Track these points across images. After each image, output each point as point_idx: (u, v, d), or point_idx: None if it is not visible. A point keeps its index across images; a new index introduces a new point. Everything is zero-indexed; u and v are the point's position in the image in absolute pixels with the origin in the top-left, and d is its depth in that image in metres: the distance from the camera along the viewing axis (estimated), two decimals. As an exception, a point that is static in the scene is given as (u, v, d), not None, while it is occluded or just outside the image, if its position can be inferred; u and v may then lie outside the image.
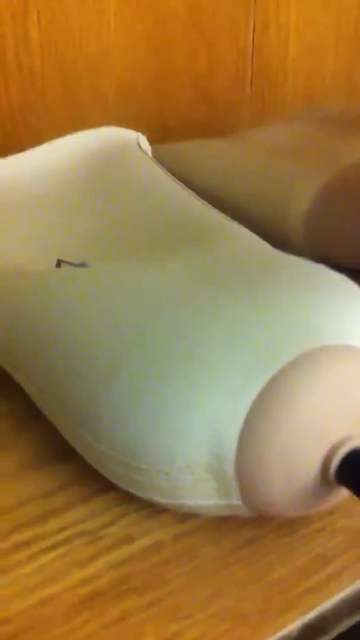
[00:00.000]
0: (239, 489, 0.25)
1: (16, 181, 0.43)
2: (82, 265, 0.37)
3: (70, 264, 0.37)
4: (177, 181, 0.41)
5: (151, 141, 0.46)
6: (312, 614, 0.24)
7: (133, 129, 0.45)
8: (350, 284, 0.28)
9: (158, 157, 0.46)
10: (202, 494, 0.25)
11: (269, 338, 0.25)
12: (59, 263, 0.38)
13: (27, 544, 0.27)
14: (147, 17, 0.51)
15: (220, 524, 0.27)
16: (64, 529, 0.27)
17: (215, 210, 0.38)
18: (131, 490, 0.26)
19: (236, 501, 0.25)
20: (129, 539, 0.27)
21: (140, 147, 0.45)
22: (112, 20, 0.50)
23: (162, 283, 0.29)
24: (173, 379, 0.25)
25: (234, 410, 0.24)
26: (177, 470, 0.25)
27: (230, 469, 0.24)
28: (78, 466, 0.29)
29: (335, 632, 0.25)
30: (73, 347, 0.28)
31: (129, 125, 0.46)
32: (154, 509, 0.28)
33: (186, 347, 0.25)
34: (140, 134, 0.46)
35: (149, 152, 0.46)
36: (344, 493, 0.25)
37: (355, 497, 0.24)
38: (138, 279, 0.30)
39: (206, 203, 0.38)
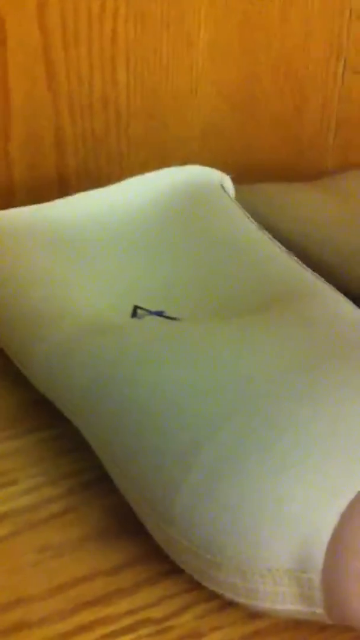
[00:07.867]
0: (323, 599, 0.22)
1: (95, 216, 0.41)
2: (160, 313, 0.36)
3: (147, 311, 0.36)
4: (262, 229, 0.39)
5: (234, 181, 0.44)
6: None
7: (216, 168, 0.44)
8: None
9: (240, 198, 0.45)
10: (281, 598, 0.23)
11: None
12: (135, 310, 0.36)
13: (88, 627, 0.25)
14: (236, 57, 0.50)
15: (297, 625, 0.25)
16: (130, 613, 0.25)
17: (304, 266, 0.35)
18: (202, 582, 0.24)
19: (318, 610, 0.23)
20: (198, 634, 0.25)
21: (223, 188, 0.44)
22: (200, 59, 0.48)
23: (250, 356, 0.27)
24: (259, 474, 0.23)
25: (325, 515, 0.22)
26: (256, 571, 0.23)
27: (316, 578, 0.22)
28: (147, 541, 0.27)
29: None
30: (150, 417, 0.26)
31: (211, 164, 0.44)
32: (225, 601, 0.25)
33: (277, 439, 0.23)
34: (223, 174, 0.44)
35: (232, 193, 0.44)
36: None
37: None
38: (224, 348, 0.28)
39: (294, 257, 0.36)
